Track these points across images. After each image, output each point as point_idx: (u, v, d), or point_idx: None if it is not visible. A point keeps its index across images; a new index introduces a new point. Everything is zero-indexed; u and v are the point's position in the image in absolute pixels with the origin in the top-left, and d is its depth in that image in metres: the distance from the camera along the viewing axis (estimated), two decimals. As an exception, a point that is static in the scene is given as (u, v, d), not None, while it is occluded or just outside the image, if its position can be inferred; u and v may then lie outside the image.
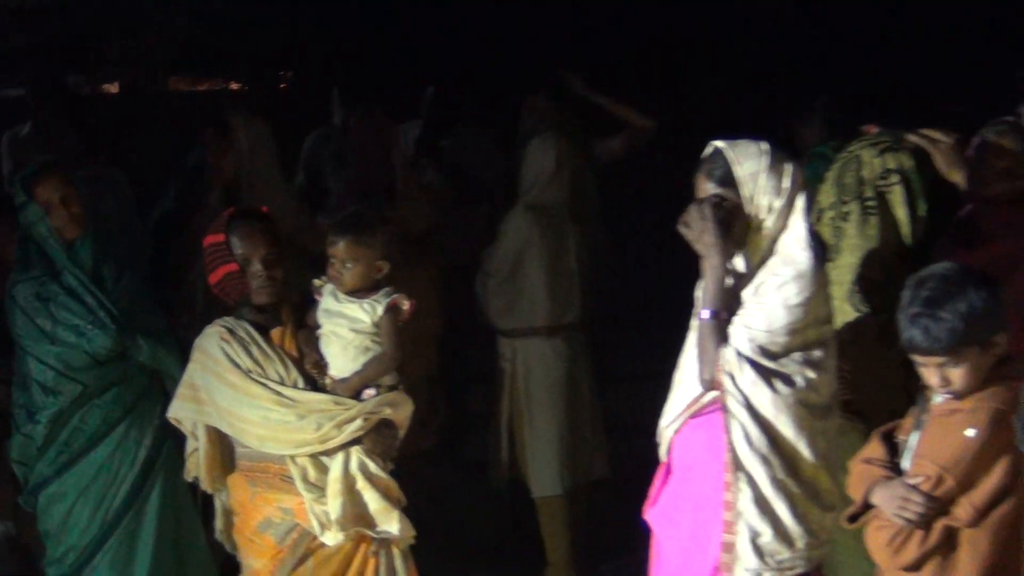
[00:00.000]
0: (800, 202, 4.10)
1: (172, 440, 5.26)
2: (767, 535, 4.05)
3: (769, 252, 4.11)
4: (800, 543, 4.08)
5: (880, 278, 4.79)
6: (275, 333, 4.64)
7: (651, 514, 4.43)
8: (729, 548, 4.09)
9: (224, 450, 4.62)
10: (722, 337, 4.06)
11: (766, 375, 4.00)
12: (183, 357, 4.89)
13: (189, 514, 5.55)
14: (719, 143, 4.16)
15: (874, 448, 4.01)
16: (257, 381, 4.48)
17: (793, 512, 4.05)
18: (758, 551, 4.06)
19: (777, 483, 4.03)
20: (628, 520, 4.74)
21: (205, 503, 5.08)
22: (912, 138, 4.95)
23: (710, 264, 4.09)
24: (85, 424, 5.33)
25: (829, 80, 7.84)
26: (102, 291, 5.32)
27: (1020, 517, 3.76)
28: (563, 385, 6.49)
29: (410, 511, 4.59)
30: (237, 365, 4.50)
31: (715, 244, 4.06)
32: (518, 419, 6.51)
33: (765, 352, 4.01)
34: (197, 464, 4.65)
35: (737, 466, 4.04)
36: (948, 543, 3.78)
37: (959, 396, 3.77)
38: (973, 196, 4.76)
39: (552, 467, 6.43)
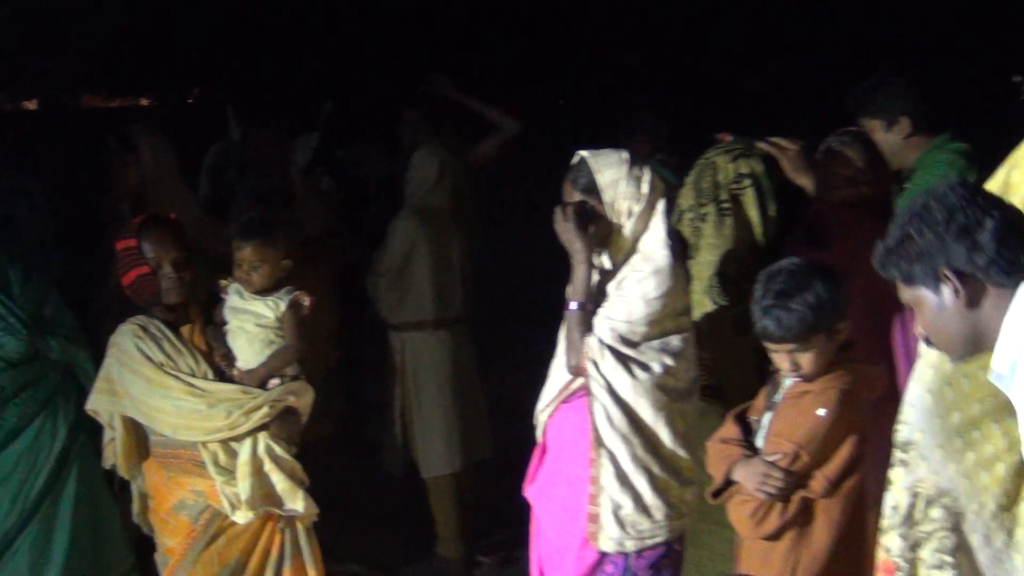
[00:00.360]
0: (660, 205, 4.15)
1: (86, 431, 5.18)
2: (628, 507, 4.09)
3: (632, 251, 4.16)
4: (659, 515, 4.13)
5: (735, 273, 4.84)
6: (185, 329, 4.61)
7: (529, 491, 4.47)
8: (594, 519, 4.13)
9: (139, 438, 4.59)
10: (587, 327, 4.10)
11: (626, 361, 4.05)
12: (96, 352, 4.85)
13: (104, 499, 5.46)
14: (583, 152, 4.20)
15: (729, 429, 4.04)
16: (169, 373, 4.45)
17: (653, 486, 4.10)
18: (619, 522, 4.11)
19: (637, 460, 4.08)
20: (510, 496, 4.74)
21: (122, 488, 5.00)
22: (762, 145, 5.01)
23: (575, 261, 4.15)
24: (4, 420, 5.22)
25: (653, 97, 7.85)
26: (10, 297, 5.20)
27: (865, 487, 3.83)
28: (449, 374, 6.48)
29: (313, 491, 4.59)
30: (150, 359, 4.47)
31: (577, 243, 4.10)
32: (409, 406, 6.48)
33: (625, 341, 4.06)
34: (114, 452, 4.62)
35: (600, 444, 4.09)
36: (805, 513, 3.83)
37: (808, 379, 3.82)
38: (820, 199, 4.82)
39: (440, 449, 6.42)
